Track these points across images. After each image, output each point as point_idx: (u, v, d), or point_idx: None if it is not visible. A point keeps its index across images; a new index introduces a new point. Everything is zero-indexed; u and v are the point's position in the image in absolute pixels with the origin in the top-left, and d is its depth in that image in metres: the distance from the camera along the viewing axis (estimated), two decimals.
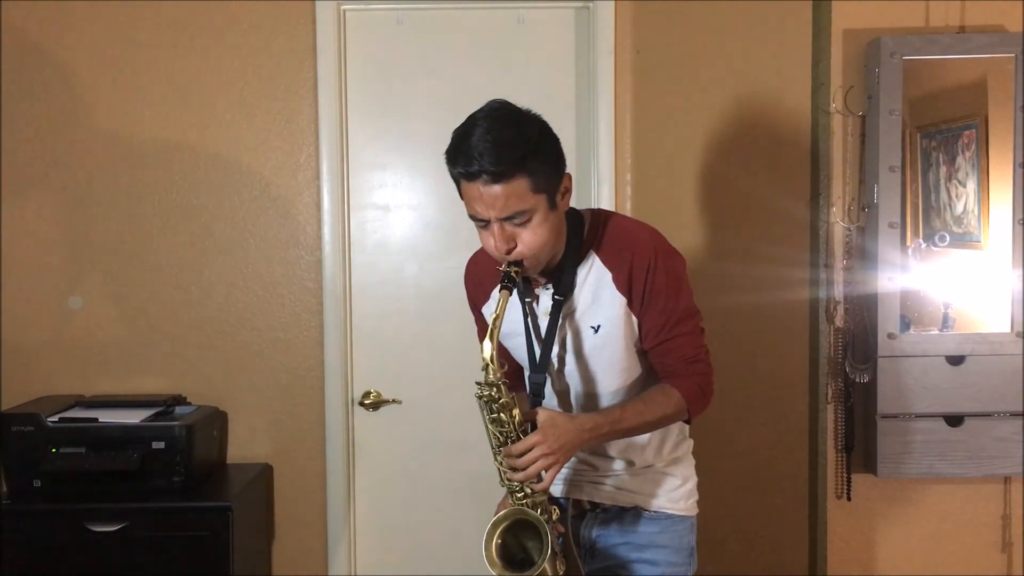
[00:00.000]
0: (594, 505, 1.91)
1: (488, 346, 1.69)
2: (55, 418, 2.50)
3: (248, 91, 2.74)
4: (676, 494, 1.90)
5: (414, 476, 2.83)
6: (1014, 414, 2.65)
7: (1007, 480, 2.79)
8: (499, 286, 1.71)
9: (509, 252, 1.68)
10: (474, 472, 2.78)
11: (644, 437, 1.85)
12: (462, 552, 2.82)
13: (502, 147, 1.62)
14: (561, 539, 1.86)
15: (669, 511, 1.89)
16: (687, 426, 1.94)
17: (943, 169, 2.69)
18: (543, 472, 1.67)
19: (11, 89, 2.71)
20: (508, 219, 1.66)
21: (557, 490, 1.92)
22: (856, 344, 2.69)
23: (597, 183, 2.74)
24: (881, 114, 2.61)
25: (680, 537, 1.90)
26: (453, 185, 2.87)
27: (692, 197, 2.75)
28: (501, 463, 1.74)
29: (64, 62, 2.71)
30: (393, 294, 2.82)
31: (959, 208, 2.68)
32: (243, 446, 2.79)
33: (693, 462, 1.96)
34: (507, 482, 1.75)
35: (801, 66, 2.73)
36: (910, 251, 2.64)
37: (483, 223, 1.69)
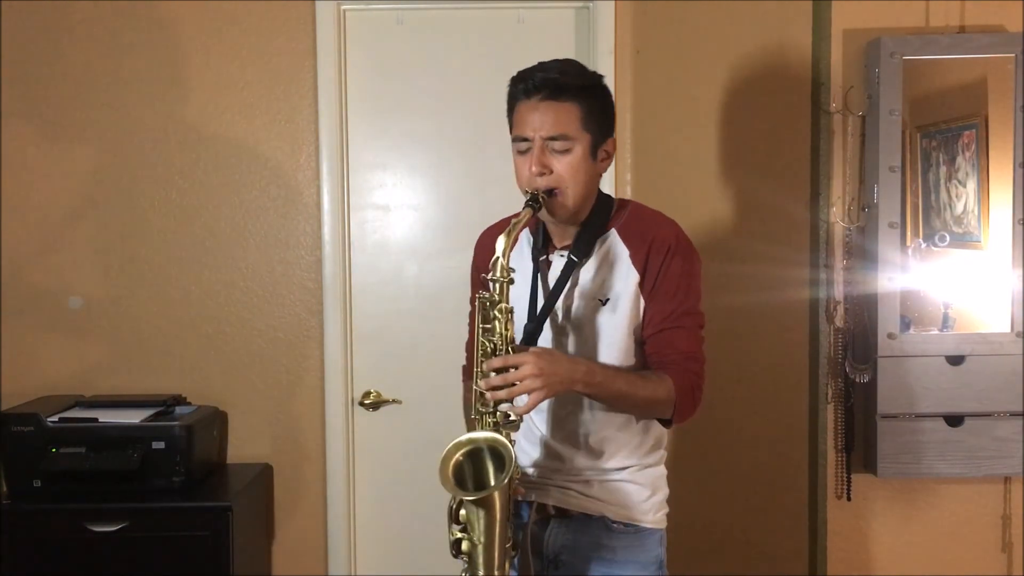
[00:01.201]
0: (559, 511, 1.83)
1: (503, 241, 1.67)
2: (55, 418, 2.50)
3: (248, 91, 2.74)
4: (645, 505, 1.83)
5: (414, 476, 2.83)
6: (1014, 414, 2.65)
7: (1007, 480, 2.79)
8: (523, 206, 1.71)
9: (542, 175, 1.72)
10: None
11: (622, 428, 1.80)
12: None
13: (568, 70, 1.73)
14: (520, 535, 1.81)
15: (637, 523, 1.82)
16: (664, 434, 1.88)
17: (943, 169, 2.69)
18: (526, 395, 1.60)
19: (11, 89, 2.71)
20: (552, 139, 1.71)
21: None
22: (856, 344, 2.69)
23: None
24: (881, 114, 2.61)
25: (648, 551, 1.83)
26: (453, 185, 2.88)
27: (692, 197, 2.75)
28: (480, 378, 1.66)
29: (63, 62, 2.71)
30: (393, 294, 2.82)
31: (959, 208, 2.68)
32: (243, 446, 2.79)
33: (665, 473, 1.89)
34: (483, 407, 1.68)
35: (801, 66, 2.73)
36: (910, 251, 2.64)
37: (525, 146, 1.73)
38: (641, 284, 1.77)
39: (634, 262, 1.78)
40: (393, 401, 2.83)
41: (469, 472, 1.69)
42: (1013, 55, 2.61)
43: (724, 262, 2.70)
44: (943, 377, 2.64)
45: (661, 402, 1.74)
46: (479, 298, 1.69)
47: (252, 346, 2.78)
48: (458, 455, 1.68)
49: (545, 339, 1.81)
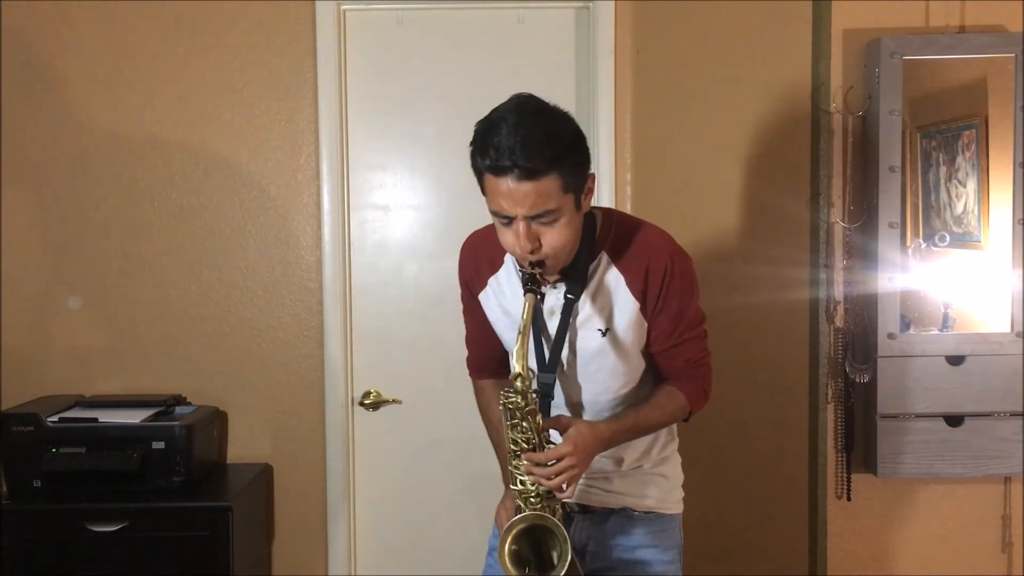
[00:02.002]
0: (582, 508, 1.89)
1: (518, 356, 1.65)
2: (55, 418, 2.50)
3: (248, 91, 2.74)
4: (664, 494, 1.90)
5: (414, 476, 2.83)
6: (1014, 414, 2.65)
7: (1007, 480, 2.79)
8: (523, 290, 1.68)
9: (533, 252, 1.63)
10: (474, 472, 2.78)
11: (637, 441, 1.85)
12: (462, 552, 2.82)
13: (537, 143, 1.56)
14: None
15: (658, 511, 1.89)
16: (675, 427, 1.95)
17: (943, 169, 2.69)
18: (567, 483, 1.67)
19: (11, 89, 2.71)
20: (535, 218, 1.60)
21: None
22: (856, 344, 2.69)
23: (597, 183, 2.73)
24: (881, 114, 2.61)
25: (670, 536, 1.91)
26: (453, 185, 2.88)
27: (692, 197, 2.75)
28: (517, 467, 1.72)
29: (64, 62, 2.71)
30: (393, 294, 2.82)
31: (959, 208, 2.68)
32: (243, 446, 2.79)
33: (679, 460, 1.97)
34: (522, 487, 1.72)
35: (801, 66, 2.73)
36: (910, 251, 2.64)
37: (506, 220, 1.63)
38: (642, 310, 1.77)
39: (632, 290, 1.75)
40: (393, 401, 2.83)
41: (525, 547, 1.74)
42: (1013, 55, 2.61)
43: (724, 262, 2.70)
44: (943, 377, 2.64)
45: (677, 417, 1.85)
46: (503, 405, 1.69)
47: (252, 346, 2.78)
48: (509, 543, 1.72)
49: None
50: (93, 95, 2.72)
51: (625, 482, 1.87)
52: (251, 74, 2.73)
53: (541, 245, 1.63)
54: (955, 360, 2.65)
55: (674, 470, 1.95)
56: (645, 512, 1.88)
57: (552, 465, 1.66)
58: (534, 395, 1.70)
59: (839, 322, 2.72)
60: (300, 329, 2.78)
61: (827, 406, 2.75)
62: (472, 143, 1.64)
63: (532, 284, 1.67)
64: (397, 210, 2.82)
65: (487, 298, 1.88)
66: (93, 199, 2.74)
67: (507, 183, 1.58)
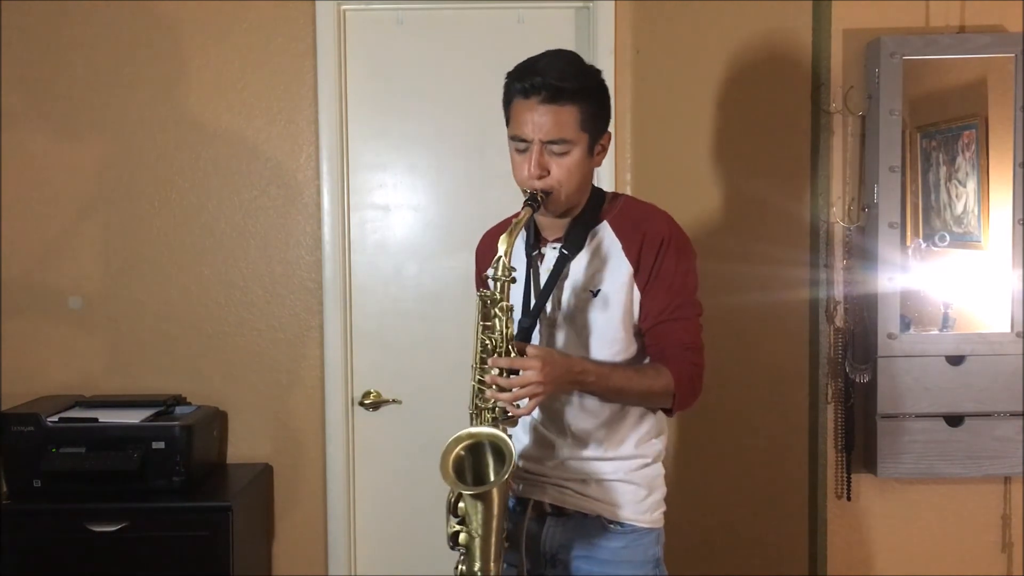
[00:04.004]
0: (556, 509, 1.84)
1: (505, 240, 1.69)
2: (55, 418, 2.50)
3: (248, 91, 2.74)
4: (642, 505, 1.83)
5: (414, 476, 2.83)
6: (1014, 414, 2.65)
7: (1007, 480, 2.79)
8: (522, 205, 1.72)
9: (540, 178, 1.72)
10: None
11: (617, 422, 1.81)
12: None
13: (566, 73, 1.70)
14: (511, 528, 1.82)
15: (634, 523, 1.82)
16: (663, 431, 1.89)
17: (943, 169, 2.69)
18: (527, 399, 1.65)
19: (11, 89, 2.71)
20: (550, 143, 1.71)
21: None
22: (856, 344, 2.69)
23: (597, 183, 2.73)
24: (881, 114, 2.61)
25: (645, 550, 1.83)
26: (453, 185, 2.88)
27: (692, 197, 2.75)
28: (480, 380, 1.70)
29: (64, 62, 2.71)
30: (393, 294, 2.82)
31: (959, 208, 2.68)
32: (243, 446, 2.79)
33: (662, 472, 1.88)
34: (481, 402, 1.71)
35: (801, 66, 2.73)
36: (910, 251, 2.64)
37: (523, 146, 1.73)
38: (635, 276, 1.78)
39: (627, 254, 1.79)
40: (393, 401, 2.83)
41: (469, 466, 1.72)
42: (1013, 55, 2.61)
43: (724, 262, 2.70)
44: (943, 377, 2.64)
45: (658, 394, 1.77)
46: (479, 295, 1.71)
47: (252, 346, 2.78)
48: (458, 449, 1.71)
49: (537, 332, 1.83)
50: (93, 95, 2.72)
51: (602, 488, 1.82)
52: (251, 74, 2.73)
53: (549, 174, 1.73)
54: (955, 360, 2.65)
55: (655, 482, 1.86)
56: (621, 524, 1.82)
57: (519, 377, 1.64)
58: (511, 285, 1.70)
59: (839, 322, 2.72)
60: (300, 329, 2.78)
61: (827, 406, 2.75)
62: (509, 73, 1.77)
63: (532, 201, 1.73)
64: (397, 210, 2.82)
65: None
66: (93, 199, 2.74)
67: (532, 104, 1.70)
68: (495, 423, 1.70)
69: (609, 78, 2.67)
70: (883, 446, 2.65)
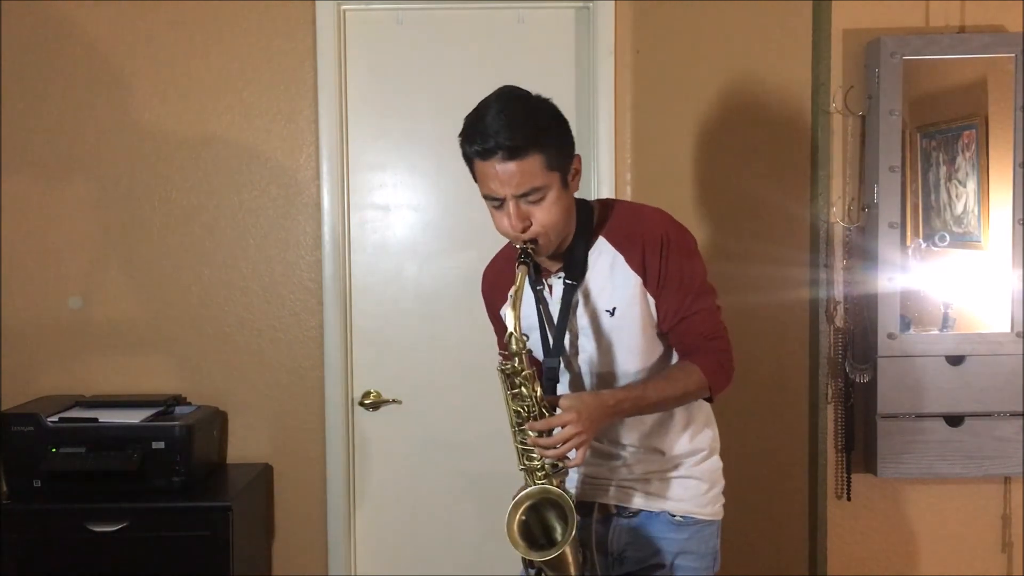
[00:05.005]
0: (621, 509, 1.89)
1: (511, 316, 1.69)
2: (55, 418, 2.50)
3: (248, 91, 2.74)
4: (704, 499, 1.88)
5: (414, 476, 2.83)
6: (1014, 414, 2.65)
7: (1007, 480, 2.79)
8: (516, 263, 1.72)
9: (524, 230, 1.70)
10: (474, 472, 2.78)
11: (668, 423, 1.85)
12: (462, 552, 2.82)
13: (516, 124, 1.66)
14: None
15: (697, 516, 1.87)
16: (711, 412, 1.93)
17: (943, 169, 2.69)
18: (575, 450, 1.67)
19: (11, 90, 2.71)
20: (523, 196, 1.68)
21: (576, 489, 1.90)
22: (856, 344, 2.69)
23: (597, 183, 2.74)
24: (881, 114, 2.61)
25: (706, 542, 1.89)
26: (453, 185, 2.88)
27: (692, 197, 2.75)
28: (522, 441, 1.72)
29: (64, 63, 2.71)
30: (393, 294, 2.82)
31: (959, 208, 2.68)
32: (243, 446, 2.79)
33: (721, 465, 1.93)
34: (529, 461, 1.73)
35: (801, 66, 2.73)
36: (910, 251, 2.64)
37: (497, 203, 1.71)
38: (644, 284, 1.78)
39: (631, 265, 1.78)
40: (393, 401, 2.83)
41: (535, 523, 1.74)
42: (1013, 55, 2.61)
43: (724, 262, 2.70)
44: (943, 377, 2.64)
45: (694, 392, 1.80)
46: (500, 370, 1.72)
47: (252, 346, 2.78)
48: (519, 515, 1.72)
49: (562, 365, 1.84)
50: (94, 95, 2.72)
51: (665, 485, 1.87)
52: (251, 74, 2.73)
53: (532, 223, 1.71)
54: (955, 360, 2.65)
55: (715, 475, 1.91)
56: (683, 516, 1.87)
57: (558, 434, 1.66)
58: (529, 356, 1.71)
59: (839, 322, 2.72)
60: (300, 329, 2.78)
61: (827, 406, 2.75)
62: (461, 133, 1.73)
63: (524, 257, 1.72)
64: (397, 210, 2.82)
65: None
66: (93, 199, 2.74)
67: (494, 165, 1.67)
68: (548, 479, 1.73)
69: (609, 78, 2.71)
70: (883, 446, 2.65)
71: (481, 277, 2.02)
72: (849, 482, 2.75)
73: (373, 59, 2.78)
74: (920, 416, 2.65)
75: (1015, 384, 2.64)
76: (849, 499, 2.76)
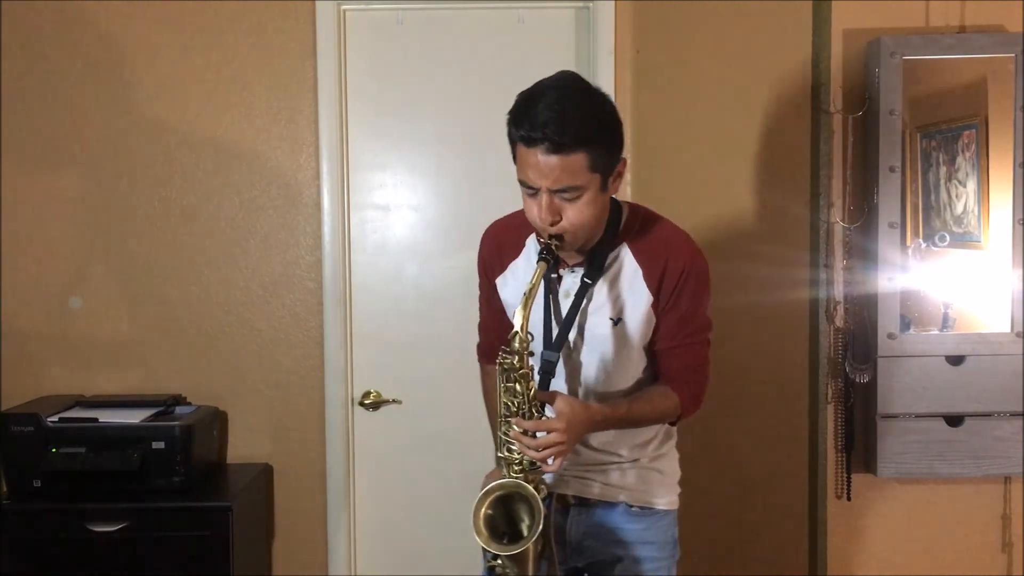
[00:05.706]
0: (579, 500, 1.90)
1: (520, 316, 1.68)
2: (55, 418, 2.50)
3: (248, 91, 2.74)
4: (661, 489, 1.92)
5: (414, 476, 2.83)
6: (1014, 414, 2.65)
7: (1007, 480, 2.79)
8: (537, 257, 1.71)
9: (553, 224, 1.67)
10: (474, 472, 2.75)
11: (636, 433, 1.87)
12: (462, 552, 2.82)
13: (569, 120, 1.60)
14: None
15: (655, 506, 1.91)
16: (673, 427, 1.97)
17: (943, 169, 2.69)
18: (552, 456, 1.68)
19: (10, 90, 2.71)
20: (559, 191, 1.64)
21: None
22: (856, 344, 2.69)
23: None
24: (881, 114, 2.61)
25: (664, 531, 1.92)
26: (453, 185, 2.88)
27: (692, 197, 2.75)
28: (506, 432, 1.72)
29: (63, 62, 2.71)
30: (393, 294, 2.82)
31: (959, 208, 2.68)
32: (243, 446, 2.79)
33: (676, 456, 1.99)
34: (508, 453, 1.74)
35: (801, 66, 2.73)
36: (910, 251, 2.64)
37: (532, 191, 1.67)
38: (654, 304, 1.79)
39: (647, 282, 1.78)
40: (393, 401, 2.83)
41: (500, 515, 1.75)
42: (1013, 55, 2.61)
43: (724, 262, 2.68)
44: (943, 377, 2.64)
45: (666, 417, 1.86)
46: (499, 365, 1.71)
47: (252, 346, 2.78)
48: (485, 507, 1.73)
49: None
50: (94, 95, 2.72)
51: (623, 476, 1.89)
52: (251, 74, 2.73)
53: (562, 219, 1.67)
54: (955, 360, 2.65)
55: (671, 466, 1.96)
56: (641, 507, 1.89)
57: (541, 437, 1.68)
58: (529, 356, 1.71)
59: (839, 322, 2.72)
60: (300, 329, 2.78)
61: (827, 406, 2.75)
62: (510, 112, 1.68)
63: (547, 254, 1.69)
64: (397, 210, 2.82)
65: (504, 282, 1.91)
66: (93, 199, 2.74)
67: (536, 155, 1.62)
68: (523, 474, 1.74)
69: (609, 78, 2.70)
70: (883, 446, 2.65)
71: (482, 234, 1.99)
72: (849, 482, 2.75)
73: (373, 59, 2.78)
74: (920, 416, 2.65)
75: (1015, 384, 2.64)
76: (849, 499, 2.76)
